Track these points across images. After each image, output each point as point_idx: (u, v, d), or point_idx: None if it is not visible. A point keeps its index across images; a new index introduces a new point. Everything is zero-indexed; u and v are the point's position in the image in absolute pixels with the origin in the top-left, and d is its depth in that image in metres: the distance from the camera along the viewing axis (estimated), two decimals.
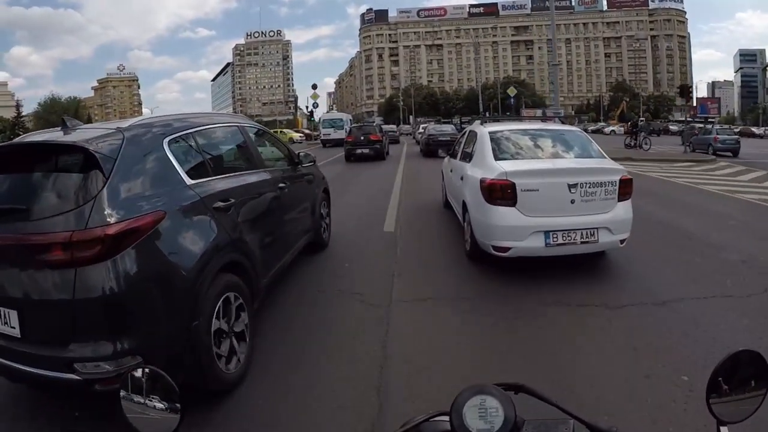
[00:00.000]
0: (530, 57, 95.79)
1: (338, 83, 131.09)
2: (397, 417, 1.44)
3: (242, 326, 2.38)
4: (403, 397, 2.16)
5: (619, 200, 3.78)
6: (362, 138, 16.08)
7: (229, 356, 2.23)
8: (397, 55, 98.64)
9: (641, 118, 29.01)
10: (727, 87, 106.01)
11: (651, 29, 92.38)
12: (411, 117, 60.64)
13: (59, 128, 2.28)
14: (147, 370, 0.72)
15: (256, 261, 2.67)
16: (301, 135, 37.11)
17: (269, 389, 2.24)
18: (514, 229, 3.66)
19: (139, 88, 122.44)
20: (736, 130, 28.74)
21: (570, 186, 3.67)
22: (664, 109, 74.18)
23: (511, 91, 40.55)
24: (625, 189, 3.79)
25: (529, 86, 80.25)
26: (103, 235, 1.79)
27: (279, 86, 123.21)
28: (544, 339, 2.79)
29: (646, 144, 18.43)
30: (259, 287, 2.70)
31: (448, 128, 19.90)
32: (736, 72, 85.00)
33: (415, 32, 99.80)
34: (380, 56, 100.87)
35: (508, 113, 43.99)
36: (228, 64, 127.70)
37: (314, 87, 21.23)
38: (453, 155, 5.93)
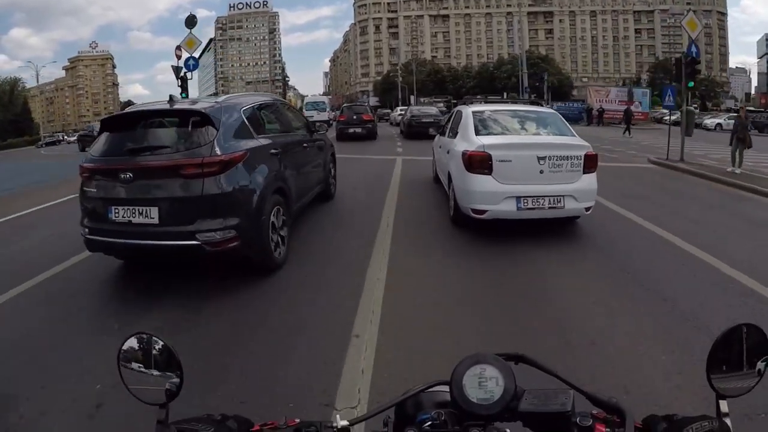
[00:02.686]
0: (549, 31, 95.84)
1: (333, 61, 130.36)
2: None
3: (284, 232, 4.42)
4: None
5: (585, 173, 5.01)
6: (354, 117, 18.10)
7: (276, 247, 4.24)
8: (396, 26, 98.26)
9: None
10: (738, 75, 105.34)
11: (687, 2, 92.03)
12: (412, 97, 58.16)
13: (166, 102, 4.29)
14: (145, 336, 0.77)
15: (291, 191, 4.72)
16: None
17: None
18: (490, 195, 4.89)
19: (114, 67, 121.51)
20: None
21: (539, 158, 4.89)
22: (711, 96, 72.45)
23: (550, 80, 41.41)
24: (589, 163, 5.01)
25: (553, 63, 78.85)
26: (218, 160, 3.71)
27: (265, 63, 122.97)
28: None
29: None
30: (292, 209, 4.78)
31: (432, 110, 21.72)
32: (760, 58, 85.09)
33: (417, 0, 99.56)
34: (377, 28, 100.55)
35: (533, 95, 43.40)
36: (210, 40, 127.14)
37: (190, 23, 14.61)
38: (443, 133, 7.23)
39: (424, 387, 0.79)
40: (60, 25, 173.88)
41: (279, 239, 4.29)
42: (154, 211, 3.65)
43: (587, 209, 5.09)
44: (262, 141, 4.38)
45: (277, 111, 5.55)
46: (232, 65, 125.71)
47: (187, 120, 3.89)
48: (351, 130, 17.89)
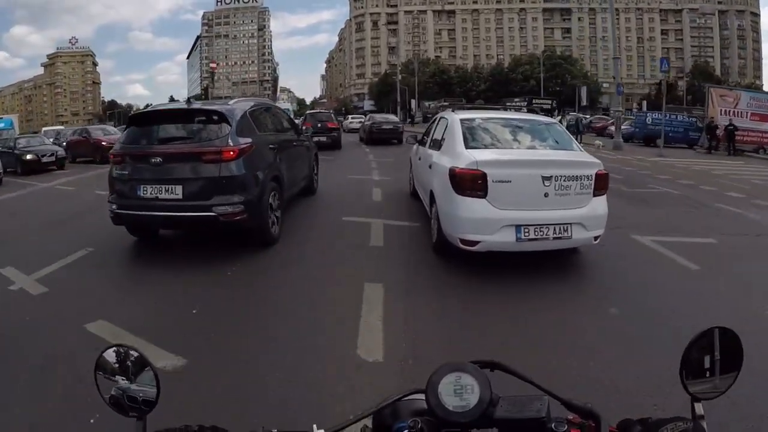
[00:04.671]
0: (567, 30, 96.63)
1: (329, 62, 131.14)
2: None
3: (278, 213, 5.86)
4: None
5: (595, 195, 4.63)
6: (319, 126, 18.21)
7: (273, 224, 5.64)
8: (396, 22, 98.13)
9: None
10: None
11: (719, 2, 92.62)
12: (413, 101, 56.11)
13: (184, 102, 6.41)
14: (122, 349, 0.84)
15: (284, 180, 6.15)
16: None
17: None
18: (484, 222, 4.46)
19: (95, 65, 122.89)
20: None
21: (544, 178, 4.48)
22: None
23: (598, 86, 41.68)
24: (600, 184, 4.62)
25: (576, 64, 78.52)
26: (233, 149, 5.09)
27: (253, 62, 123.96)
28: None
29: None
30: (284, 196, 6.21)
31: (392, 117, 27.17)
32: None
33: None
34: (375, 24, 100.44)
35: (553, 101, 44.82)
36: (198, 38, 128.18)
37: None
38: (422, 143, 6.86)
39: (400, 396, 0.87)
40: (61, 23, 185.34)
41: (275, 218, 5.74)
42: (179, 189, 5.01)
43: (595, 238, 4.71)
44: (263, 137, 5.88)
45: (273, 114, 7.22)
46: (218, 64, 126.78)
47: (206, 117, 5.36)
48: (315, 139, 18.34)
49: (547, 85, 67.24)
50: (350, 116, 40.64)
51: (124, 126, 6.42)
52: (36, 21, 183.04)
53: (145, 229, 5.90)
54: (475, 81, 79.05)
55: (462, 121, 5.31)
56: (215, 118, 5.28)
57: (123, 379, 0.82)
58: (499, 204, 4.44)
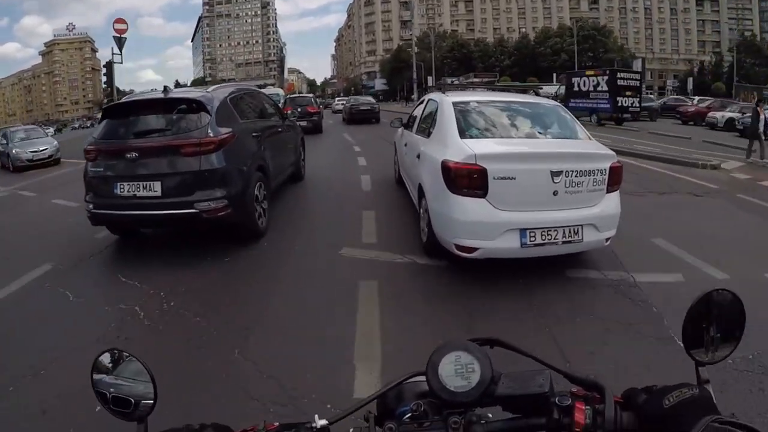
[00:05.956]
0: (594, 1, 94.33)
1: (338, 40, 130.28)
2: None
3: (265, 205, 5.80)
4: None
5: (608, 192, 4.25)
6: (299, 110, 18.94)
7: (259, 217, 5.60)
8: None
9: None
10: None
11: None
12: (430, 78, 52.98)
13: (161, 91, 5.59)
14: (116, 353, 0.87)
15: (269, 169, 6.15)
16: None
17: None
18: (483, 226, 4.08)
19: (95, 52, 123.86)
20: None
21: (553, 174, 4.09)
22: None
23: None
24: (614, 179, 4.25)
25: (610, 36, 75.06)
26: (213, 140, 4.95)
27: (257, 42, 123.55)
28: None
29: None
30: (270, 186, 6.22)
31: (369, 98, 33.11)
32: None
33: None
34: None
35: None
36: (200, 19, 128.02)
37: None
38: (408, 126, 6.50)
39: (402, 379, 0.90)
40: (70, 13, 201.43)
41: (261, 210, 5.70)
42: (157, 185, 4.88)
43: (607, 240, 4.36)
44: (245, 125, 5.80)
45: (256, 99, 7.16)
46: (220, 45, 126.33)
47: (184, 106, 5.21)
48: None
49: (580, 60, 65.14)
50: (336, 99, 49.50)
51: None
52: (46, 11, 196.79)
53: (125, 229, 5.85)
54: (499, 56, 76.96)
55: (455, 104, 4.89)
56: (194, 106, 5.16)
57: (120, 383, 0.84)
58: (501, 204, 4.06)
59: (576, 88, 24.91)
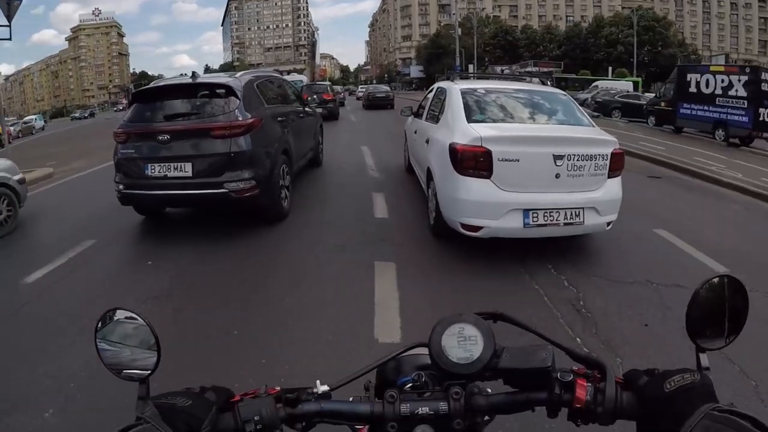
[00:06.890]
0: None
1: (372, 26, 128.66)
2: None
3: (288, 187, 6.19)
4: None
5: (609, 177, 4.48)
6: (315, 97, 19.11)
7: (284, 199, 6.01)
8: None
9: None
10: None
11: None
12: (471, 66, 50.83)
13: (189, 76, 5.84)
14: (122, 312, 0.86)
15: (293, 152, 6.55)
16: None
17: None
18: (488, 206, 4.38)
19: (122, 36, 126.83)
20: None
21: (556, 157, 4.35)
22: None
23: None
24: (616, 164, 4.48)
25: (671, 29, 70.10)
26: (243, 124, 5.26)
27: (287, 26, 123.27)
28: None
29: None
30: (293, 169, 6.62)
31: (384, 87, 38.02)
32: None
33: None
34: None
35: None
36: (228, 1, 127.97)
37: None
38: (418, 115, 6.78)
39: (403, 350, 0.90)
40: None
41: (285, 192, 6.05)
42: (188, 166, 5.16)
43: (608, 224, 4.60)
44: (271, 110, 6.14)
45: (279, 85, 7.53)
46: (249, 28, 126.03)
47: (212, 91, 5.50)
48: None
49: (638, 53, 62.17)
50: (360, 87, 54.89)
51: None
52: None
53: (153, 209, 6.21)
54: (548, 44, 73.20)
55: (463, 92, 5.19)
56: (222, 91, 5.43)
57: (124, 344, 0.85)
58: (505, 185, 4.35)
59: (693, 89, 16.80)
